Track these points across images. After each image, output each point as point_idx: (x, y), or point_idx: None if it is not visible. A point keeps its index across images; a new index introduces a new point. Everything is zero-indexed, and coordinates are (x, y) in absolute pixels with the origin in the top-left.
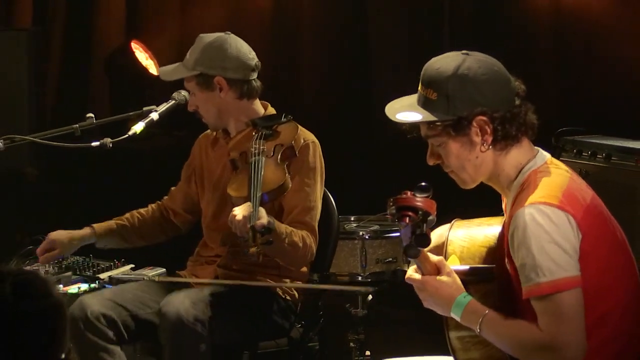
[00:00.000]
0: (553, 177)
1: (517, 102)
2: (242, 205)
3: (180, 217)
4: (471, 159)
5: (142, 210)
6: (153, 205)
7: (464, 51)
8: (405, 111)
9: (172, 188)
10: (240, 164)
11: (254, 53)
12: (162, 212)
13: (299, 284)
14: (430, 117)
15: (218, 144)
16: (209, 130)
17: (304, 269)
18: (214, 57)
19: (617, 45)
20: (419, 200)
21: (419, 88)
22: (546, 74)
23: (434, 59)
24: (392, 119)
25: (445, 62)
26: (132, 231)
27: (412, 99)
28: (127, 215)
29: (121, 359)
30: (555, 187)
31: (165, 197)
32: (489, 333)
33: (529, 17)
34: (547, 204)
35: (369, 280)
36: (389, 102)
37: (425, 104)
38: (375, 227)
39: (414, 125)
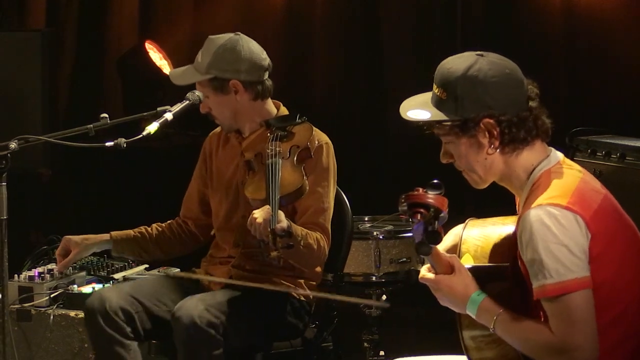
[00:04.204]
0: (564, 178)
1: (531, 104)
2: (261, 208)
3: (201, 222)
4: (480, 160)
5: (161, 224)
6: (172, 221)
7: (478, 52)
8: (417, 109)
9: (184, 199)
10: (256, 165)
11: (265, 53)
12: (181, 224)
13: (314, 293)
14: (438, 117)
15: (229, 143)
16: (218, 129)
17: (318, 269)
18: (227, 60)
19: (630, 45)
20: (431, 197)
21: (433, 86)
22: (559, 73)
23: (448, 59)
24: (403, 116)
25: (457, 62)
26: (150, 241)
27: (427, 96)
28: (146, 226)
29: (136, 355)
30: (565, 188)
31: (180, 213)
32: (503, 333)
33: (541, 17)
34: (555, 205)
35: (383, 280)
36: (403, 101)
37: (437, 102)
38: (389, 227)
39: (429, 123)
